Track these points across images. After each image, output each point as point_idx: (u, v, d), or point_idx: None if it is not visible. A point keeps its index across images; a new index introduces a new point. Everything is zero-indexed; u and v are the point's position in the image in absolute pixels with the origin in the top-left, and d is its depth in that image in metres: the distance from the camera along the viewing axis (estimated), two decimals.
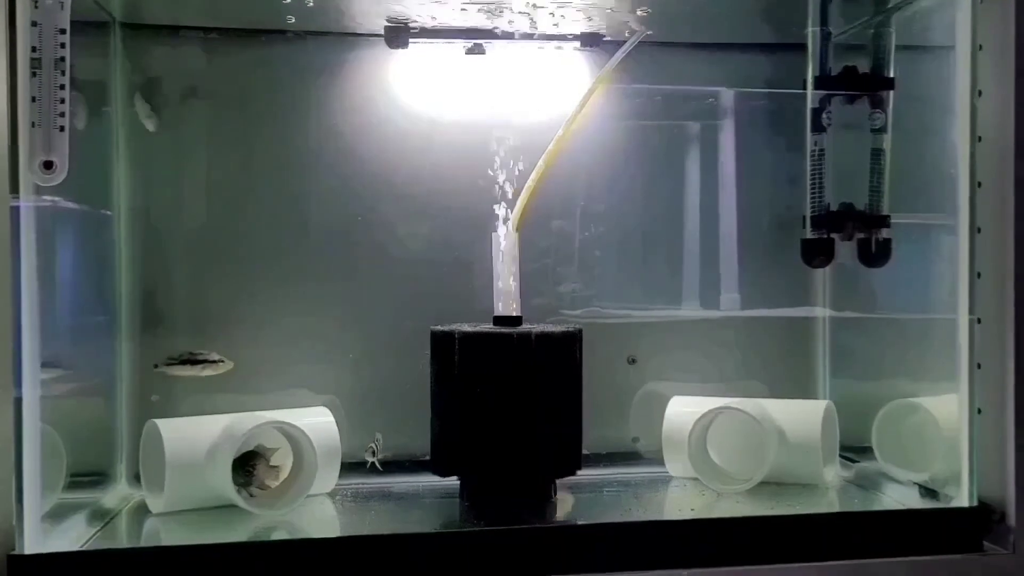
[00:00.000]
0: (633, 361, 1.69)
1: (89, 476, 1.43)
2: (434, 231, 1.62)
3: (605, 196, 1.68)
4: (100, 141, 1.50)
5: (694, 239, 1.71)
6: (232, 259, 1.59)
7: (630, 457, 1.66)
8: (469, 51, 1.57)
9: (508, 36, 1.55)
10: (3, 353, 1.14)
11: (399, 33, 1.53)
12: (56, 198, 1.21)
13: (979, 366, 1.33)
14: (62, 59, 1.12)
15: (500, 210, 1.51)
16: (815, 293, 1.74)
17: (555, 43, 1.59)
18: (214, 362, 1.49)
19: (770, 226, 1.72)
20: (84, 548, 1.22)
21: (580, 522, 1.33)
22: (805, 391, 1.72)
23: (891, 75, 1.50)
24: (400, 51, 1.55)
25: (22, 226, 1.14)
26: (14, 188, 1.14)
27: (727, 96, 1.72)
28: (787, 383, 1.70)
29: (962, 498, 1.33)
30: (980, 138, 1.33)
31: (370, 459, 1.52)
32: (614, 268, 1.69)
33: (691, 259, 1.71)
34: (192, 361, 1.48)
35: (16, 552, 1.14)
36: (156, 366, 1.49)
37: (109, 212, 1.52)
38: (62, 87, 1.12)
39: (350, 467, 1.52)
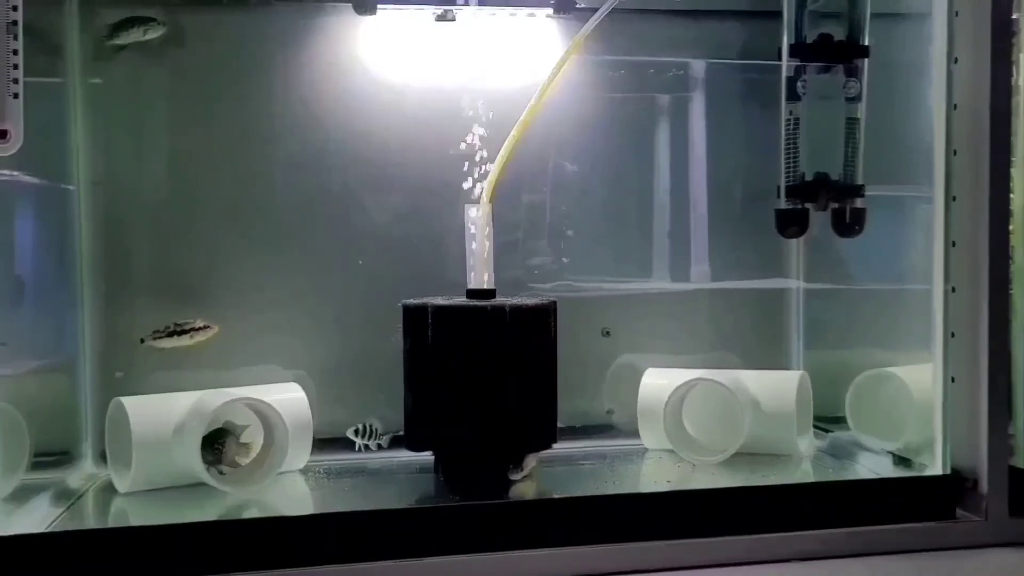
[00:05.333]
0: (607, 334, 1.68)
1: (53, 455, 1.41)
2: (405, 202, 1.59)
3: (577, 168, 1.66)
4: (57, 111, 1.44)
5: (664, 211, 1.70)
6: (197, 232, 1.55)
7: (605, 429, 1.65)
8: (439, 18, 1.53)
9: (479, 2, 1.51)
10: None
11: None
12: (15, 172, 1.17)
13: (953, 335, 1.33)
14: (15, 23, 1.08)
15: (472, 181, 1.49)
16: (789, 264, 1.74)
17: (527, 10, 1.56)
18: (200, 328, 1.46)
19: (744, 197, 1.71)
20: (49, 530, 1.19)
21: (556, 496, 1.33)
22: (779, 362, 1.72)
23: (866, 43, 1.48)
24: (368, 17, 1.51)
25: None
26: None
27: (699, 67, 1.70)
28: (761, 354, 1.70)
29: (935, 466, 1.34)
30: (956, 105, 1.32)
31: (358, 440, 1.49)
32: (585, 240, 1.67)
33: (661, 231, 1.70)
34: (179, 331, 1.45)
35: None
36: (143, 340, 1.45)
37: (71, 187, 1.48)
38: (15, 52, 1.07)
39: (323, 443, 1.50)
